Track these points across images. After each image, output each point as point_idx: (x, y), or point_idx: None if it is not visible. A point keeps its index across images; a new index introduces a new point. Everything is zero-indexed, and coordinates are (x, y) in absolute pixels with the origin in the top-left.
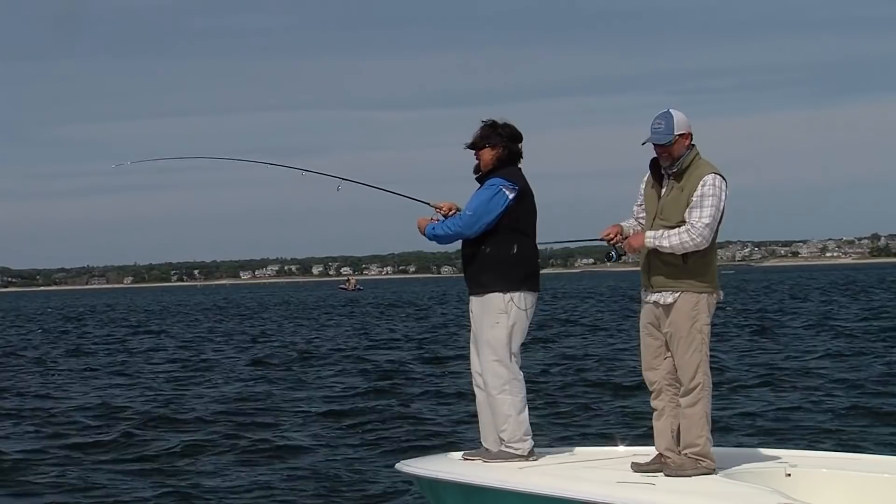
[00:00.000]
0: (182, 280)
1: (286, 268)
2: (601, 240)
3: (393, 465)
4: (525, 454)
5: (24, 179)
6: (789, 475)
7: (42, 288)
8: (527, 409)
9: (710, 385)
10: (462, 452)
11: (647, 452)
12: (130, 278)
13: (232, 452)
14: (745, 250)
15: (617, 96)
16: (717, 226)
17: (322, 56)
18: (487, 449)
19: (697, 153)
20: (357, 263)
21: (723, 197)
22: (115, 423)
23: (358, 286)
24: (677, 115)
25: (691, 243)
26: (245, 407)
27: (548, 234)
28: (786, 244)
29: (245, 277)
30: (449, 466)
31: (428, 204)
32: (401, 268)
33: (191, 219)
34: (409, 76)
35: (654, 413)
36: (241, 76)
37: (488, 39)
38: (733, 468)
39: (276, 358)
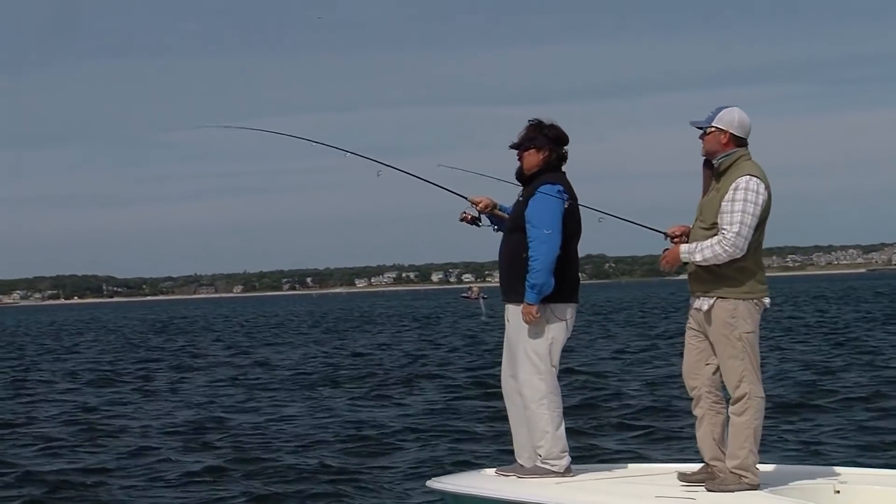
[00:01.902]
0: (294, 288)
1: (404, 275)
2: (664, 233)
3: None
4: (562, 471)
5: (130, 184)
6: (838, 492)
7: (148, 298)
8: (563, 424)
9: (761, 396)
10: (495, 468)
11: (694, 469)
12: (240, 287)
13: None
14: None
15: (761, 87)
16: (760, 230)
17: (440, 48)
18: (522, 465)
19: (743, 155)
20: (479, 270)
21: (758, 200)
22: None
23: (483, 294)
24: (728, 112)
25: (724, 255)
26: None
27: None
28: None
29: (360, 285)
30: (482, 482)
31: (464, 198)
32: None
33: (303, 224)
34: (536, 68)
35: (696, 422)
36: (357, 70)
37: (626, 27)
38: (779, 485)
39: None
